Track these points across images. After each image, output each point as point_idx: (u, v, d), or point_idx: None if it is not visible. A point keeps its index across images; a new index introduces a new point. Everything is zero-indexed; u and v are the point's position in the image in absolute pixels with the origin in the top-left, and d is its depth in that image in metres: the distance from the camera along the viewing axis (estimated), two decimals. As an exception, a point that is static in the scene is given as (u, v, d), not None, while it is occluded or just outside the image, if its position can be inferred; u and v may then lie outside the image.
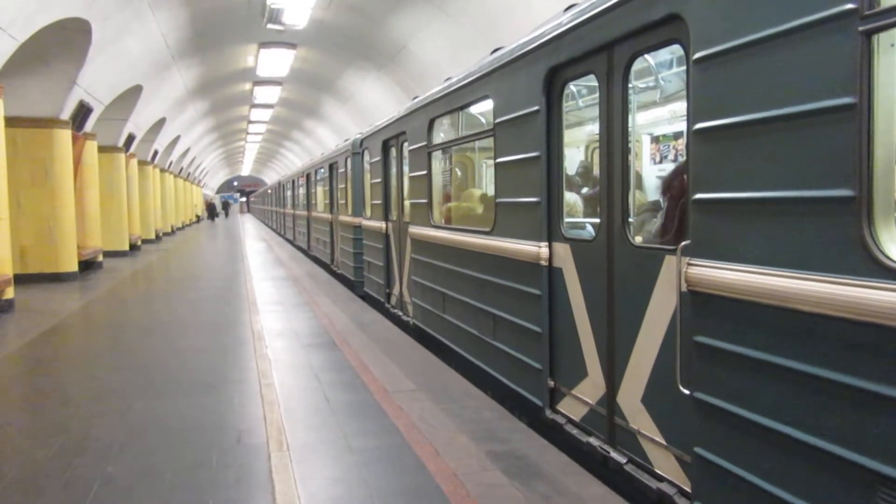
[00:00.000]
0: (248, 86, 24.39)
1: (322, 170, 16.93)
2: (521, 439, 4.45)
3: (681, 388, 3.21)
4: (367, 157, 11.33)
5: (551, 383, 4.75)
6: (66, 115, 13.57)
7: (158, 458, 4.24)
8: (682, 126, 4.73)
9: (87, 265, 15.74)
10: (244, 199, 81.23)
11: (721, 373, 2.95)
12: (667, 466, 3.53)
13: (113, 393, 5.72)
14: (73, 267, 14.13)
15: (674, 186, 3.87)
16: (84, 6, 10.87)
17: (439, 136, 7.53)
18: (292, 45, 18.39)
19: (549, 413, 4.72)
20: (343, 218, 13.74)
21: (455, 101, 6.56)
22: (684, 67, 3.27)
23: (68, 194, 13.97)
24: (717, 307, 2.96)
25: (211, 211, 55.19)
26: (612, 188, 3.96)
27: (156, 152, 25.77)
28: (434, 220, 7.41)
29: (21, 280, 11.64)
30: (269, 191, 43.89)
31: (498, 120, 5.41)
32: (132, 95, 17.18)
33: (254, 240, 27.96)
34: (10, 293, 10.37)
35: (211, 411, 5.16)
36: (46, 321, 9.29)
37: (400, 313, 9.17)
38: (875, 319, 2.20)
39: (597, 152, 4.32)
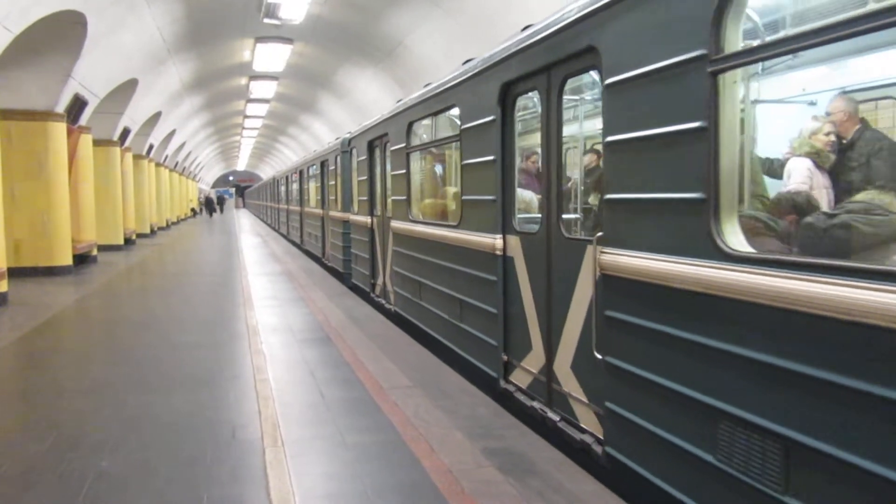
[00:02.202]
0: (244, 80, 24.30)
1: (314, 167, 17.64)
2: (516, 436, 4.46)
3: (596, 354, 3.94)
4: (354, 156, 11.92)
5: (505, 357, 5.46)
6: (61, 108, 13.51)
7: (153, 452, 4.23)
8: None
9: (82, 259, 15.68)
10: (240, 194, 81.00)
11: (623, 340, 3.66)
12: (587, 420, 4.28)
13: (107, 387, 5.70)
14: (68, 261, 14.08)
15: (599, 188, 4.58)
16: (79, -1, 10.83)
17: (417, 138, 8.24)
18: (289, 40, 18.31)
19: (502, 383, 5.44)
20: (333, 213, 14.42)
21: (429, 107, 7.29)
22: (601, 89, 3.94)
23: (63, 188, 13.90)
24: (620, 286, 3.68)
25: (209, 205, 52.78)
26: (549, 189, 4.64)
27: (151, 146, 25.68)
28: (412, 215, 8.10)
29: (15, 273, 11.60)
30: (264, 186, 44.84)
31: (463, 126, 6.12)
32: (127, 89, 17.11)
33: (249, 234, 27.92)
34: (3, 286, 10.33)
35: (206, 406, 5.16)
36: (40, 315, 9.26)
37: (383, 301, 9.76)
38: (719, 293, 2.91)
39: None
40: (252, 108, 31.89)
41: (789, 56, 3.26)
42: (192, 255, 20.26)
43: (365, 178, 10.85)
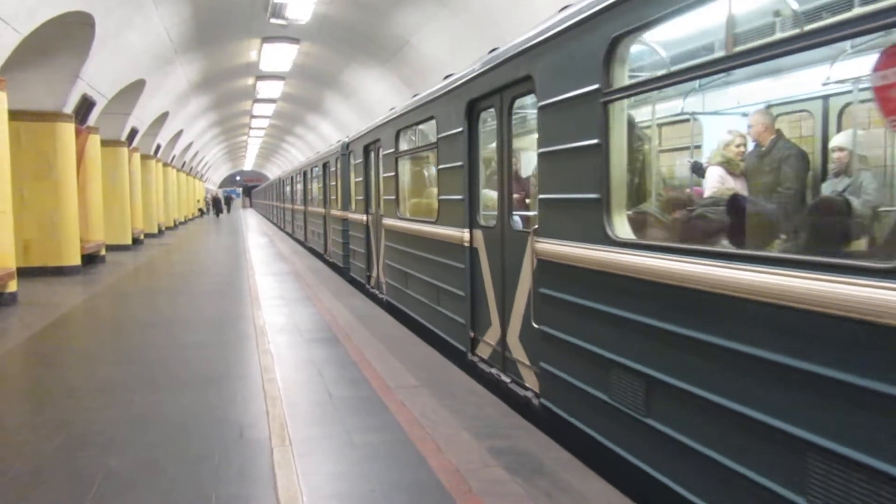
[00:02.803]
0: (250, 80, 24.35)
1: (316, 168, 18.44)
2: (523, 435, 4.45)
3: (534, 324, 4.83)
4: (352, 159, 12.94)
5: (472, 334, 6.35)
6: (69, 108, 13.57)
7: (161, 451, 4.25)
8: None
9: (90, 259, 15.74)
10: (247, 194, 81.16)
11: (551, 311, 4.60)
12: (530, 380, 5.20)
13: (116, 387, 5.73)
14: (76, 261, 14.14)
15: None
16: None
17: (405, 144, 9.21)
18: (295, 40, 18.34)
19: (469, 356, 6.35)
20: (333, 212, 15.33)
21: (413, 117, 8.28)
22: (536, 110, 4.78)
23: (71, 188, 13.97)
24: (548, 268, 4.61)
25: (216, 205, 52.41)
26: (502, 189, 5.64)
27: (158, 146, 25.75)
28: (400, 213, 8.97)
29: (24, 273, 11.65)
30: (270, 187, 46.08)
31: (439, 136, 7.00)
32: (135, 89, 17.17)
33: (255, 234, 27.99)
34: (13, 286, 10.39)
35: (213, 406, 5.18)
36: (50, 315, 9.31)
37: (377, 292, 10.79)
38: (606, 269, 3.86)
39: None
40: (259, 108, 31.96)
41: (670, 87, 4.16)
42: (200, 254, 20.32)
43: (361, 179, 11.77)
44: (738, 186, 4.74)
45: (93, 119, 15.41)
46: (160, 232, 27.50)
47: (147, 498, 3.62)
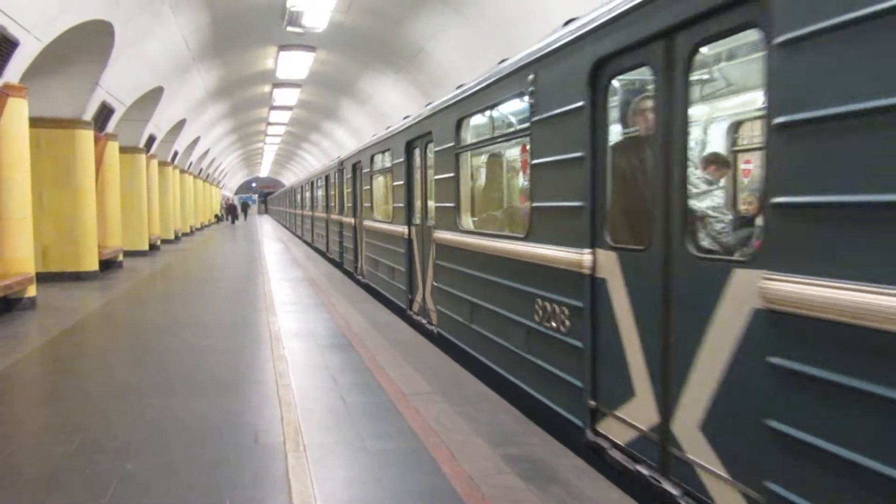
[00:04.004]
0: (267, 88, 24.54)
1: (320, 179, 21.45)
2: (537, 443, 4.44)
3: (435, 283, 6.46)
4: (345, 173, 15.81)
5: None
6: (88, 115, 13.74)
7: (176, 456, 4.27)
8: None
9: (108, 264, 15.90)
10: (262, 201, 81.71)
11: (439, 273, 6.36)
12: (434, 319, 7.67)
13: (132, 391, 5.78)
14: (94, 266, 14.28)
15: None
16: (107, 8, 11.01)
17: (379, 164, 11.75)
18: (311, 48, 18.47)
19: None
20: (332, 216, 18.44)
21: (381, 146, 11.16)
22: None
23: (90, 194, 14.13)
24: (439, 248, 6.39)
25: (231, 212, 51.64)
26: (422, 202, 7.82)
27: (176, 153, 26.00)
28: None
29: (43, 278, 11.78)
30: (284, 194, 49.76)
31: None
32: (153, 97, 17.34)
33: (271, 240, 28.14)
34: (32, 291, 10.52)
35: (228, 411, 5.20)
36: (67, 319, 9.40)
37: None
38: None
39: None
40: (275, 115, 32.18)
41: (475, 147, 6.84)
42: (216, 260, 20.45)
43: (350, 190, 14.73)
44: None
45: (111, 126, 15.58)
46: (176, 238, 27.72)
47: (162, 502, 3.64)
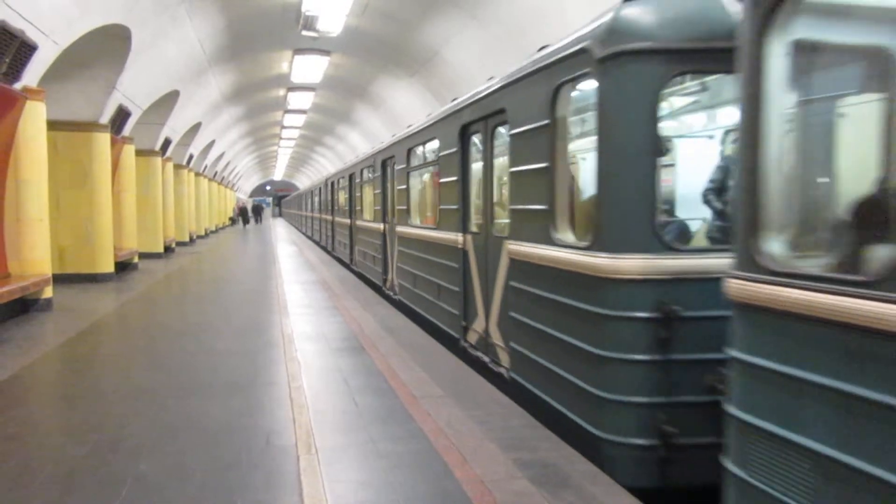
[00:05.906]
0: (282, 91, 24.67)
1: (325, 186, 23.84)
2: (549, 448, 4.42)
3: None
4: (341, 182, 18.52)
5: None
6: (105, 119, 13.85)
7: (189, 457, 4.30)
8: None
9: (123, 266, 16.02)
10: (276, 203, 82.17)
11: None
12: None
13: (146, 392, 5.82)
14: (110, 268, 14.40)
15: None
16: (124, 12, 11.11)
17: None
18: (326, 52, 18.54)
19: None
20: (335, 218, 20.65)
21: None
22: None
23: (106, 197, 14.24)
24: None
25: (244, 215, 51.15)
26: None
27: (191, 156, 26.16)
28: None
29: (59, 280, 11.89)
30: (297, 197, 51.11)
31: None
32: (169, 100, 17.48)
33: (284, 243, 28.25)
34: (48, 292, 10.61)
35: (241, 413, 5.22)
36: (83, 321, 9.49)
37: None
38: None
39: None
40: (289, 119, 32.34)
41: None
42: (230, 263, 20.57)
43: (347, 196, 17.00)
44: None
45: (128, 129, 15.71)
46: (191, 240, 27.89)
47: (175, 503, 3.66)
